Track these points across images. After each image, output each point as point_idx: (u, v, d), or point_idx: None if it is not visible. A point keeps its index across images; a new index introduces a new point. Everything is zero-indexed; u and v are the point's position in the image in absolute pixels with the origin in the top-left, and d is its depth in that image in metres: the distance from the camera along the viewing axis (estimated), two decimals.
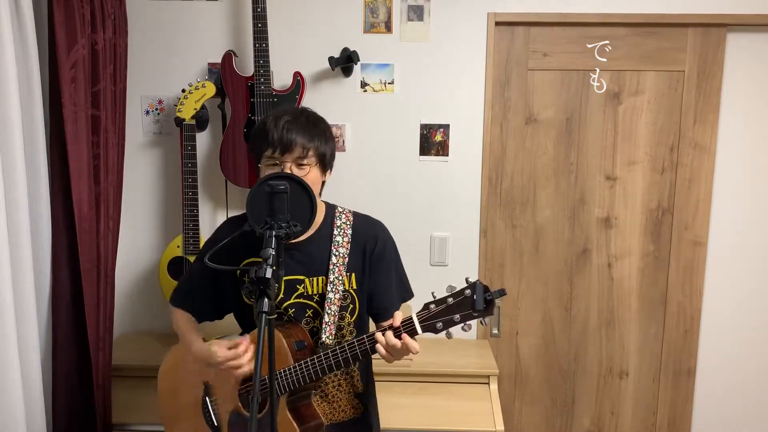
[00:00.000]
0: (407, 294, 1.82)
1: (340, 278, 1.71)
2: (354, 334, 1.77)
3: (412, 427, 2.21)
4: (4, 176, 1.85)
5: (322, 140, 1.65)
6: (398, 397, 2.32)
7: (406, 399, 2.32)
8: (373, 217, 1.82)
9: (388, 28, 2.57)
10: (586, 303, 2.77)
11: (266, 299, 1.26)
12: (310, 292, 1.72)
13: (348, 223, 1.75)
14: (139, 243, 2.71)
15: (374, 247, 1.75)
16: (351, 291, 1.74)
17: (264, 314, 1.25)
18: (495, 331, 2.75)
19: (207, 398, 1.80)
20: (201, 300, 1.82)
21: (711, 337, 2.76)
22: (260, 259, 1.53)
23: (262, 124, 1.66)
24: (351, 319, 1.76)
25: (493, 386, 2.38)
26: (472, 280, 1.50)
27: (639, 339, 2.78)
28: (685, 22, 2.55)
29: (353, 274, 1.74)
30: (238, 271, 1.73)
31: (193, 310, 1.84)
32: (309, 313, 1.73)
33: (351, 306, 1.75)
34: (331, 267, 1.70)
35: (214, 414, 1.79)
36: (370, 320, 1.83)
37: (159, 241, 2.71)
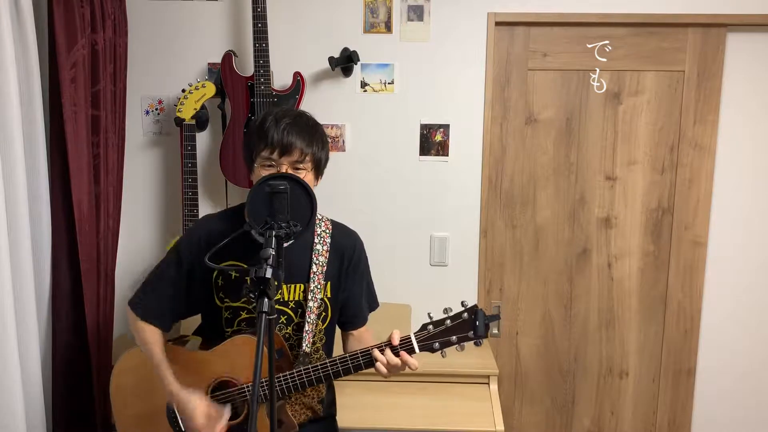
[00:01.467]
0: (374, 304, 1.89)
1: (319, 287, 1.71)
2: (324, 341, 1.78)
3: (412, 427, 2.21)
4: (4, 176, 1.85)
5: (320, 146, 1.66)
6: (398, 397, 2.32)
7: (406, 399, 2.32)
8: (348, 226, 1.83)
9: (388, 28, 2.57)
10: (586, 303, 2.77)
11: (266, 299, 1.26)
12: (286, 299, 1.71)
13: (327, 231, 1.76)
14: (139, 243, 2.70)
15: (352, 257, 1.77)
16: (325, 299, 1.75)
17: (264, 314, 1.24)
18: (495, 331, 2.75)
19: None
20: (171, 308, 1.74)
21: (711, 337, 2.75)
22: (237, 263, 1.56)
23: (260, 123, 1.64)
24: (322, 326, 1.77)
25: (493, 386, 2.38)
26: (468, 303, 1.57)
27: (639, 339, 2.78)
28: (685, 22, 2.55)
29: (329, 283, 1.75)
30: (215, 274, 1.69)
31: (164, 322, 1.74)
32: (283, 319, 1.72)
33: (323, 314, 1.76)
34: (311, 275, 1.70)
35: (180, 420, 1.75)
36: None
37: (159, 241, 2.71)
